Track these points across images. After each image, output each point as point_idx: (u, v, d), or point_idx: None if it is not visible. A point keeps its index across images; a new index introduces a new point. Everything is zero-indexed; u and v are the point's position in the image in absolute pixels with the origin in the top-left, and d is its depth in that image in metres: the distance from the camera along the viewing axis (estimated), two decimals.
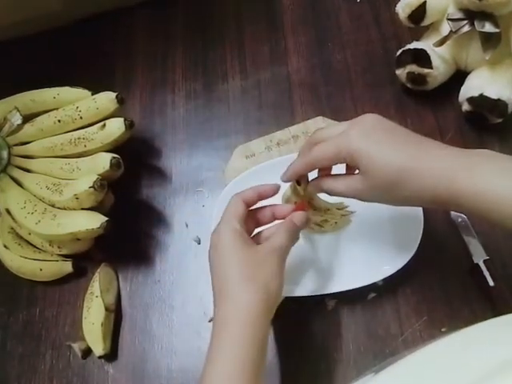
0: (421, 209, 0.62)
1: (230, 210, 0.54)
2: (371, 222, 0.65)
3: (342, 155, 0.49)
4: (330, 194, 0.54)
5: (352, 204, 0.63)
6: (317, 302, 0.63)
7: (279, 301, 0.52)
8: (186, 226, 0.72)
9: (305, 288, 0.63)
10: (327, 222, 0.64)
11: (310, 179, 0.57)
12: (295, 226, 0.55)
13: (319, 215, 0.63)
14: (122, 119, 0.71)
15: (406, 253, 0.61)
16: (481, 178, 0.43)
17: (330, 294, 0.62)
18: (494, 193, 0.42)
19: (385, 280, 0.61)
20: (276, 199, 0.60)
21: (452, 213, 0.65)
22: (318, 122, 0.74)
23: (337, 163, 0.52)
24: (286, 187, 0.59)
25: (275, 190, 0.57)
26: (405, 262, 0.60)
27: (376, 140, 0.47)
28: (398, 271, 0.60)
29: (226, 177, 0.73)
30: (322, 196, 0.60)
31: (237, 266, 0.50)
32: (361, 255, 0.64)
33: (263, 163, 0.71)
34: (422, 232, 0.61)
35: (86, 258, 0.72)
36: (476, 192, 0.43)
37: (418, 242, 0.61)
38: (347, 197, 0.52)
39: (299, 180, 0.56)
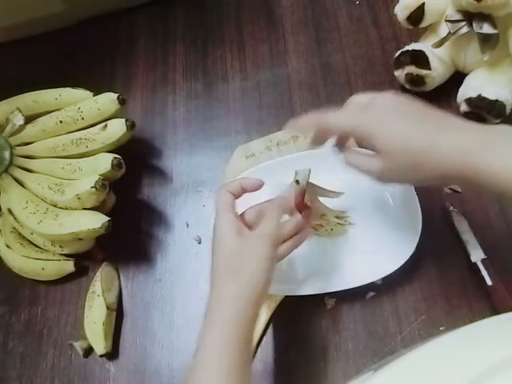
0: (419, 208, 0.62)
1: (220, 201, 0.55)
2: (370, 221, 0.66)
3: (356, 134, 0.50)
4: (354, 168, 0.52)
5: (352, 215, 0.65)
6: (316, 300, 0.64)
7: (266, 291, 0.51)
8: (187, 225, 0.73)
9: (304, 287, 0.63)
10: (322, 227, 0.65)
11: (311, 181, 0.57)
12: (281, 211, 0.56)
13: (314, 219, 0.63)
14: (123, 120, 0.71)
15: (405, 252, 0.61)
16: (496, 159, 0.42)
17: (330, 293, 0.63)
18: (509, 173, 0.42)
19: (383, 279, 0.62)
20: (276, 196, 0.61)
21: (450, 213, 0.65)
22: None
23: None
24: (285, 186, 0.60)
25: (258, 185, 0.58)
26: (403, 261, 0.60)
27: (392, 124, 0.47)
28: (396, 270, 0.60)
29: (226, 177, 0.73)
30: (330, 204, 0.63)
31: (225, 258, 0.51)
32: (360, 255, 0.64)
33: (263, 163, 0.71)
34: (420, 232, 0.61)
35: (88, 258, 0.72)
36: (492, 172, 0.42)
37: (417, 241, 0.61)
38: (367, 175, 0.51)
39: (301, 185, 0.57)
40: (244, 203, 0.62)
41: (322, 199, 0.63)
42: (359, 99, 0.52)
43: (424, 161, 0.46)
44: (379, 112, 0.48)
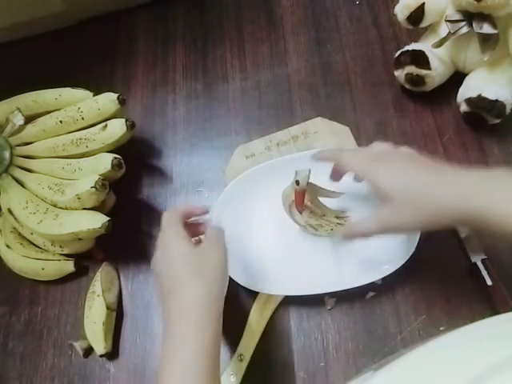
0: None
1: (169, 217, 0.58)
2: None
3: (365, 177, 0.54)
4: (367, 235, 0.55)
5: (352, 215, 0.65)
6: (316, 300, 0.64)
7: (225, 288, 0.54)
8: None
9: (304, 287, 0.63)
10: (322, 227, 0.64)
11: (311, 181, 0.57)
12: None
13: (314, 219, 0.63)
14: (123, 120, 0.71)
15: (405, 252, 0.61)
16: (492, 205, 0.45)
17: (330, 292, 0.63)
18: (505, 220, 0.45)
19: (383, 279, 0.62)
20: (276, 196, 0.64)
21: None
22: (318, 123, 0.75)
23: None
24: (285, 185, 0.61)
25: (203, 211, 0.61)
26: (403, 261, 0.60)
27: (402, 176, 0.51)
28: (396, 270, 0.60)
29: (226, 177, 0.73)
30: (330, 204, 0.63)
31: (184, 265, 0.53)
32: (360, 255, 0.64)
33: (262, 164, 0.71)
34: (419, 232, 0.61)
35: (88, 258, 0.72)
36: (488, 217, 0.45)
37: (417, 241, 0.61)
38: (380, 233, 0.53)
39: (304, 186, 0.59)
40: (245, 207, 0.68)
41: (321, 199, 0.63)
42: (380, 147, 0.56)
43: (429, 201, 0.49)
44: (389, 166, 0.52)
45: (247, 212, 0.70)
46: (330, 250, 0.66)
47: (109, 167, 0.68)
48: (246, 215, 0.70)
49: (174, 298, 0.51)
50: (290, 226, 0.66)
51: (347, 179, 0.61)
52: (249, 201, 0.70)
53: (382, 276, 0.61)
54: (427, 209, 0.49)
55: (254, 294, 0.65)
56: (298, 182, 0.56)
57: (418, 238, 0.61)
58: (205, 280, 0.51)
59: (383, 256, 0.63)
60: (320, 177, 0.58)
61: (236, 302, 0.65)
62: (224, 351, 0.63)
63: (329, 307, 0.63)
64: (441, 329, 0.60)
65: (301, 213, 0.62)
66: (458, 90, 0.70)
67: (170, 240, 0.55)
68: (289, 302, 0.64)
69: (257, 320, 0.63)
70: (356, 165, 0.55)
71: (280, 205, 0.64)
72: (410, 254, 0.61)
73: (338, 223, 0.64)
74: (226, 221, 0.66)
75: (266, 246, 0.68)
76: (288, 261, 0.66)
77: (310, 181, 0.57)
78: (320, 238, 0.67)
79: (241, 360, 0.61)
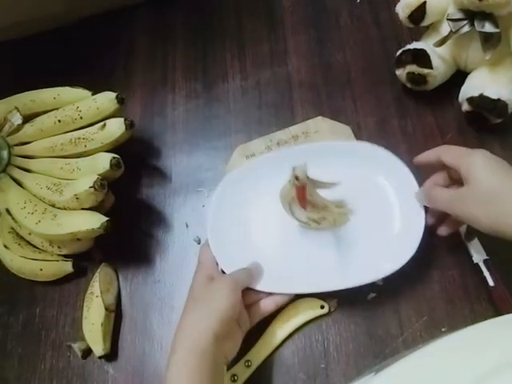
0: (422, 208, 0.62)
1: (201, 256, 0.66)
2: (371, 219, 0.65)
3: (460, 162, 0.55)
4: (431, 203, 0.60)
5: (352, 203, 0.64)
6: (317, 301, 0.63)
7: (226, 324, 0.55)
8: (186, 225, 0.73)
9: (301, 285, 0.63)
10: (325, 220, 0.62)
11: (309, 176, 0.56)
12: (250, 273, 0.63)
13: (316, 212, 0.62)
14: (122, 119, 0.71)
15: (407, 251, 0.60)
16: None
17: (330, 293, 0.62)
18: None
19: (385, 280, 0.61)
20: (273, 193, 0.63)
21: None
22: (318, 122, 0.74)
23: (447, 167, 0.59)
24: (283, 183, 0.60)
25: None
26: (405, 260, 0.60)
27: (490, 166, 0.54)
28: (397, 271, 0.60)
29: None
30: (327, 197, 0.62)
31: (191, 299, 0.60)
32: (360, 253, 0.64)
33: (259, 157, 0.72)
34: (423, 230, 0.61)
35: (86, 258, 0.72)
36: None
37: (419, 240, 0.60)
38: (445, 208, 0.57)
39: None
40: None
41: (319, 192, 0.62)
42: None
43: (503, 195, 0.52)
44: (483, 156, 0.55)
45: (244, 210, 0.69)
46: (331, 247, 0.65)
47: (107, 167, 0.67)
48: (243, 214, 0.69)
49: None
50: (289, 223, 0.65)
51: (339, 169, 0.64)
52: (245, 199, 0.69)
53: (384, 275, 0.60)
54: (500, 204, 0.51)
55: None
56: (297, 178, 0.55)
57: (421, 237, 0.60)
58: (200, 310, 0.56)
59: (385, 255, 0.62)
60: (313, 170, 0.57)
61: None
62: None
63: (330, 309, 0.63)
64: (442, 330, 0.60)
65: (305, 208, 0.61)
66: (459, 89, 0.69)
67: (193, 280, 0.62)
68: (289, 302, 0.63)
69: (276, 333, 0.63)
70: (453, 153, 0.57)
71: (278, 202, 0.63)
72: (413, 253, 0.60)
73: (340, 212, 0.62)
74: (222, 220, 0.67)
75: (265, 244, 0.67)
76: (288, 259, 0.66)
77: (309, 177, 0.56)
78: (321, 234, 0.66)
79: (247, 366, 0.61)
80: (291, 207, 0.62)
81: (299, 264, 0.65)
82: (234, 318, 0.56)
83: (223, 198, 0.69)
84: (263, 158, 0.72)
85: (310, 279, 0.63)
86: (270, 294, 0.63)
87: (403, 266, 0.60)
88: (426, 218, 0.62)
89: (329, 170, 0.61)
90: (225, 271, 0.63)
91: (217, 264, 0.64)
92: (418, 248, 0.60)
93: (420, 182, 0.63)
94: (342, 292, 0.61)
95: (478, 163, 0.54)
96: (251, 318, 0.61)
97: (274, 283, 0.63)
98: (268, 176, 0.68)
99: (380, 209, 0.66)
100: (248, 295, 0.61)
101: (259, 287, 0.62)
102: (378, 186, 0.68)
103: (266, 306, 0.62)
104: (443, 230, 0.61)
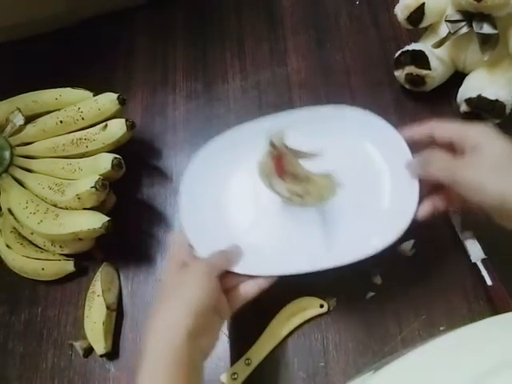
0: (416, 180, 0.56)
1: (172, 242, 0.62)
2: (360, 192, 0.60)
3: (466, 131, 0.52)
4: (429, 170, 0.54)
5: (338, 175, 0.57)
6: (316, 300, 0.63)
7: (202, 317, 0.51)
8: None
9: (285, 266, 0.57)
10: (309, 194, 0.57)
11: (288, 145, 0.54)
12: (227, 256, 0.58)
13: (299, 185, 0.56)
14: (123, 120, 0.71)
15: (400, 225, 0.55)
16: None
17: (330, 292, 0.62)
18: None
19: (383, 279, 0.62)
20: (250, 168, 0.58)
21: (450, 213, 0.65)
22: None
23: (449, 140, 0.54)
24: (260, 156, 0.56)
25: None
26: (398, 234, 0.55)
27: (501, 135, 0.51)
28: (396, 270, 0.60)
29: None
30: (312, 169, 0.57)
31: (161, 295, 0.55)
32: (349, 229, 0.59)
33: (234, 129, 0.67)
34: (416, 204, 0.55)
35: (88, 258, 0.72)
36: None
37: (413, 213, 0.55)
38: (445, 175, 0.52)
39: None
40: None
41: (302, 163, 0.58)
42: None
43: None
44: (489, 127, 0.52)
45: (220, 188, 0.64)
46: (317, 223, 0.60)
47: (109, 167, 0.68)
48: (220, 191, 0.64)
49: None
50: (270, 199, 0.61)
51: (323, 140, 0.59)
52: (221, 175, 0.65)
53: (376, 251, 0.55)
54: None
55: (278, 302, 0.64)
56: (273, 146, 0.50)
57: (414, 210, 0.55)
58: (170, 310, 0.51)
59: (376, 229, 0.57)
60: (295, 140, 0.53)
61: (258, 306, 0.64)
62: (229, 351, 0.63)
63: (329, 307, 0.63)
64: (441, 329, 0.60)
65: (284, 179, 0.56)
66: (457, 90, 0.70)
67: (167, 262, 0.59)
68: (288, 302, 0.64)
69: (276, 331, 0.63)
70: (458, 124, 0.54)
71: (257, 176, 0.58)
72: (405, 227, 0.55)
73: (325, 185, 0.56)
74: (196, 199, 0.63)
75: (245, 223, 0.62)
76: (270, 238, 0.61)
77: (286, 144, 0.53)
78: (305, 210, 0.60)
79: (247, 364, 0.61)
80: (271, 181, 0.57)
81: (282, 243, 0.60)
82: (209, 307, 0.51)
83: (196, 175, 0.64)
84: (239, 130, 0.66)
85: (295, 259, 0.58)
86: (252, 277, 0.57)
87: (403, 266, 0.60)
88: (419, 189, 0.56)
89: (312, 140, 0.56)
90: (201, 256, 0.58)
91: (192, 249, 0.58)
92: (417, 247, 0.60)
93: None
94: (341, 291, 0.61)
95: (490, 130, 0.51)
96: (231, 304, 0.56)
97: (256, 265, 0.58)
98: (245, 149, 0.63)
99: (369, 180, 0.61)
100: (227, 279, 0.56)
101: (239, 270, 0.57)
102: (367, 155, 0.62)
103: (248, 289, 0.56)
104: (427, 207, 0.56)
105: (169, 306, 0.51)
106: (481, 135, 0.51)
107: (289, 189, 0.56)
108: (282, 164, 0.54)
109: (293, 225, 0.61)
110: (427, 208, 0.56)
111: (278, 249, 0.60)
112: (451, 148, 0.54)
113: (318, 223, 0.60)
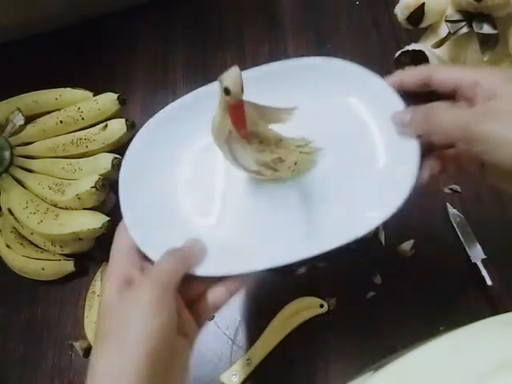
0: (415, 139, 0.44)
1: (119, 238, 0.47)
2: (346, 158, 0.48)
3: (479, 74, 0.41)
4: (431, 126, 0.42)
5: (318, 139, 0.46)
6: (316, 300, 0.63)
7: (159, 356, 0.39)
8: None
9: (260, 259, 0.45)
10: (282, 163, 0.45)
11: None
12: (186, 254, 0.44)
13: (269, 151, 0.45)
14: (123, 120, 0.71)
15: (399, 192, 0.44)
16: None
17: (329, 291, 0.61)
18: None
19: (383, 279, 0.62)
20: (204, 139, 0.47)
21: (450, 213, 0.65)
22: None
23: (452, 88, 0.43)
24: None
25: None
26: (398, 204, 0.44)
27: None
28: (396, 269, 0.60)
29: None
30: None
31: (98, 324, 0.42)
32: (336, 205, 0.47)
33: (183, 97, 0.54)
34: (418, 165, 0.44)
35: (88, 258, 0.72)
36: None
37: (414, 175, 0.44)
38: (454, 130, 0.40)
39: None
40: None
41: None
42: None
43: None
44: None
45: (170, 169, 0.51)
46: (296, 202, 0.48)
47: (109, 167, 0.68)
48: (169, 174, 0.51)
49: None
50: (234, 177, 0.49)
51: (302, 99, 0.46)
52: (170, 154, 0.52)
53: (370, 228, 0.44)
54: None
55: (278, 302, 0.64)
56: (227, 91, 0.38)
57: (416, 171, 0.44)
58: (113, 352, 0.38)
59: (370, 201, 0.46)
60: (264, 98, 0.42)
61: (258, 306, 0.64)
62: (229, 351, 0.63)
63: (330, 307, 0.63)
64: (441, 329, 0.60)
65: (248, 142, 0.43)
66: None
67: (105, 279, 0.44)
68: (288, 301, 0.64)
69: (276, 331, 0.62)
70: (456, 70, 0.43)
71: (214, 151, 0.45)
72: (403, 198, 0.44)
73: (302, 152, 0.46)
74: (141, 188, 0.49)
75: (204, 211, 0.49)
76: (239, 227, 0.48)
77: (250, 101, 0.41)
78: (280, 187, 0.48)
79: (248, 364, 0.61)
80: (230, 146, 0.43)
81: (254, 232, 0.48)
82: (169, 335, 0.39)
83: (140, 156, 0.51)
84: (188, 97, 0.53)
85: (272, 249, 0.46)
86: (219, 279, 0.44)
87: (402, 265, 0.59)
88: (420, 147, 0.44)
89: (282, 99, 0.44)
90: (151, 258, 0.44)
91: (138, 252, 0.45)
92: (417, 247, 0.60)
93: None
94: (341, 291, 0.61)
95: (506, 75, 0.41)
96: (199, 319, 0.44)
97: (222, 262, 0.45)
98: (199, 118, 0.49)
99: (356, 143, 0.49)
100: (189, 288, 0.44)
101: (202, 271, 0.44)
102: (352, 113, 0.50)
103: (217, 297, 0.44)
104: (425, 170, 0.44)
105: (110, 345, 0.39)
106: (496, 80, 0.40)
107: (256, 159, 0.44)
108: (241, 116, 0.40)
109: (265, 207, 0.48)
110: (425, 172, 0.44)
111: (250, 239, 0.47)
112: (452, 100, 0.44)
113: (298, 201, 0.48)
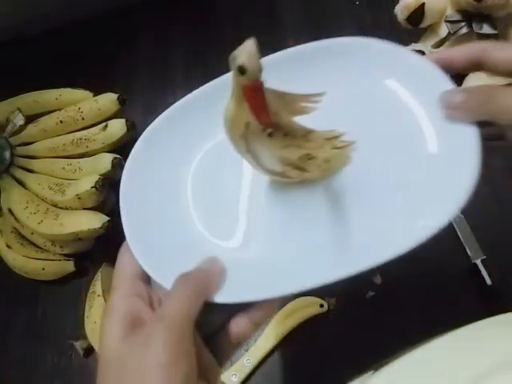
0: (472, 125, 0.36)
1: (117, 274, 0.39)
2: (387, 154, 0.40)
3: None
4: (493, 110, 0.35)
5: (352, 132, 0.35)
6: (316, 300, 0.64)
7: None
8: None
9: (300, 278, 0.37)
10: (312, 161, 0.37)
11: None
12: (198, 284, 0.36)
13: (295, 146, 0.36)
14: (123, 120, 0.71)
15: (458, 192, 0.37)
16: None
17: (330, 289, 0.51)
18: None
19: (383, 278, 0.62)
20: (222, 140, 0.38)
21: None
22: None
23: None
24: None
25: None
26: (457, 206, 0.37)
27: None
28: (398, 270, 0.60)
29: None
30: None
31: (100, 373, 0.34)
32: (379, 210, 0.38)
33: (184, 98, 0.49)
34: (477, 165, 0.36)
35: (88, 258, 0.72)
36: None
37: (475, 170, 0.36)
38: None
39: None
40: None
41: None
42: None
43: None
44: None
45: (178, 178, 0.45)
46: (329, 208, 0.40)
47: (109, 167, 0.68)
48: (178, 184, 0.44)
49: None
50: (253, 181, 0.42)
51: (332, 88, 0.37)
52: (178, 160, 0.45)
53: (422, 240, 0.38)
54: None
55: (280, 302, 0.63)
56: (243, 70, 0.31)
57: (477, 165, 0.36)
58: None
59: (418, 206, 0.38)
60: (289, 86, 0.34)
61: None
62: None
63: (329, 307, 0.63)
64: (441, 329, 0.60)
65: (271, 135, 0.35)
66: None
67: (102, 321, 0.35)
68: (287, 300, 0.64)
69: (276, 331, 0.62)
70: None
71: (227, 152, 0.38)
72: (468, 192, 0.37)
73: (335, 147, 0.37)
74: (144, 202, 0.43)
75: (219, 225, 0.42)
76: (264, 244, 0.40)
77: (272, 87, 0.32)
78: (309, 192, 0.41)
79: (248, 364, 0.61)
80: (249, 144, 0.35)
81: (281, 248, 0.40)
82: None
83: (142, 164, 0.45)
84: (197, 93, 0.48)
85: (304, 268, 0.38)
86: (241, 307, 0.37)
87: (403, 265, 0.53)
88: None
89: (308, 86, 0.35)
90: (163, 285, 0.37)
91: (147, 279, 0.38)
92: (416, 247, 0.60)
93: None
94: (341, 291, 0.61)
95: None
96: (219, 356, 0.37)
97: (246, 286, 0.38)
98: (209, 115, 0.44)
99: (398, 133, 0.40)
100: (205, 318, 0.35)
101: (223, 298, 0.36)
102: (391, 97, 0.41)
103: (240, 328, 0.37)
104: None
105: None
106: None
107: (280, 156, 0.36)
108: (261, 101, 0.32)
109: (292, 217, 0.41)
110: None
111: (275, 257, 0.40)
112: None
113: (331, 208, 0.40)
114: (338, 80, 0.42)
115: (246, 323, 0.37)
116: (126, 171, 0.44)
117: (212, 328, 0.37)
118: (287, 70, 0.44)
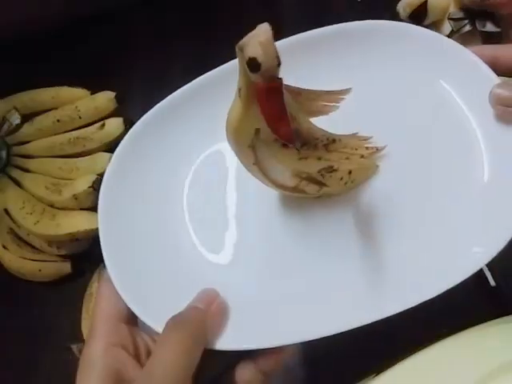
0: None
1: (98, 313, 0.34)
2: (424, 164, 0.34)
3: None
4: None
5: (382, 137, 0.31)
6: None
7: None
8: None
9: (320, 320, 0.34)
10: (333, 174, 0.31)
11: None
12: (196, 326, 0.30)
13: (315, 157, 0.30)
14: (121, 119, 0.71)
15: (507, 225, 0.32)
16: None
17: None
18: None
19: None
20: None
21: None
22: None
23: None
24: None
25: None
26: (508, 238, 0.33)
27: None
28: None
29: None
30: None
31: None
32: (415, 233, 0.33)
33: (177, 91, 0.44)
34: None
35: (85, 259, 0.72)
36: None
37: None
38: None
39: None
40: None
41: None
42: None
43: None
44: None
45: (169, 194, 0.39)
46: (353, 230, 0.33)
47: (106, 166, 0.67)
48: (167, 201, 0.39)
49: None
50: (262, 199, 0.35)
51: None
52: (169, 171, 0.40)
53: (472, 271, 0.34)
54: None
55: None
56: (256, 66, 0.24)
57: None
58: None
59: (465, 229, 0.33)
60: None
61: None
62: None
63: None
64: (443, 331, 0.60)
65: (285, 144, 0.28)
66: None
67: (78, 378, 0.32)
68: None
69: None
70: None
71: (225, 161, 0.34)
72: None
73: (361, 155, 0.31)
74: (128, 224, 0.39)
75: (221, 253, 0.36)
76: (274, 275, 0.35)
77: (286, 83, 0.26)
78: (328, 207, 0.33)
79: None
80: (258, 155, 0.29)
81: (292, 282, 0.34)
82: None
83: (124, 174, 0.41)
84: (190, 87, 0.40)
85: (322, 310, 0.34)
86: (247, 352, 0.32)
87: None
88: None
89: (331, 79, 0.31)
90: (153, 327, 0.32)
91: (133, 318, 0.33)
92: None
93: None
94: None
95: None
96: None
97: (250, 329, 0.32)
98: (207, 113, 0.39)
99: (438, 139, 0.34)
100: (210, 364, 0.31)
101: (225, 345, 0.31)
102: (439, 103, 0.35)
103: (245, 376, 0.32)
104: None
105: None
106: None
107: (295, 169, 0.30)
108: (280, 106, 0.25)
109: (309, 243, 0.34)
110: None
111: (289, 292, 0.34)
112: None
113: (355, 231, 0.33)
114: (367, 74, 0.36)
115: (252, 372, 0.32)
116: (103, 191, 0.39)
117: (215, 371, 0.32)
118: (299, 61, 0.36)
